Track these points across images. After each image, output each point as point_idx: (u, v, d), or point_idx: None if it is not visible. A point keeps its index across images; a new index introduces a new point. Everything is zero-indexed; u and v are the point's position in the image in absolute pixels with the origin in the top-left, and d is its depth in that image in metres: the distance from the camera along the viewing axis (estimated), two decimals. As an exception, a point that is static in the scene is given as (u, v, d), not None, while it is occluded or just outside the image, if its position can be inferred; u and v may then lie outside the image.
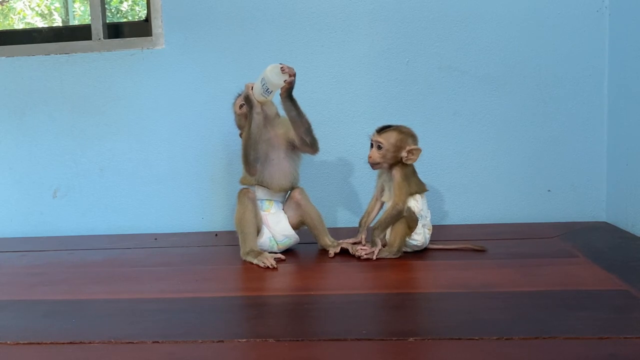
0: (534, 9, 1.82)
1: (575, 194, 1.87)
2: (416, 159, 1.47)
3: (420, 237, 1.48)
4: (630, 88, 1.69)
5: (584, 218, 1.86)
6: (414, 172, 1.52)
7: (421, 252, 1.51)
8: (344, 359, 0.91)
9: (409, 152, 1.46)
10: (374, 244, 1.47)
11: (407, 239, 1.47)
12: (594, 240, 1.61)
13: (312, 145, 1.51)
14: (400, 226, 1.46)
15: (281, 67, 1.40)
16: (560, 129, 1.85)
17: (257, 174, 1.53)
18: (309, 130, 1.49)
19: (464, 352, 0.91)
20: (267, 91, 1.42)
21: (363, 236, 1.55)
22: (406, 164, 1.48)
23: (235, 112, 1.59)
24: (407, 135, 1.48)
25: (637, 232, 1.64)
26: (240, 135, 1.58)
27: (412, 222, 1.46)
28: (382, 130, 1.49)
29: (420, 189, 1.51)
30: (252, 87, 1.44)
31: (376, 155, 1.48)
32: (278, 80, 1.40)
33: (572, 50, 1.83)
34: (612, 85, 1.80)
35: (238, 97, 1.58)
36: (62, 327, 1.10)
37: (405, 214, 1.46)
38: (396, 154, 1.47)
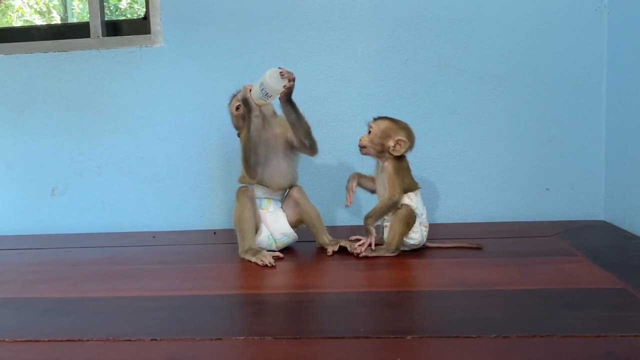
0: (533, 8, 1.82)
1: (573, 192, 1.87)
2: (402, 151, 1.47)
3: (417, 235, 1.48)
4: (628, 87, 1.69)
5: (582, 217, 1.86)
6: (408, 169, 1.51)
7: (419, 251, 1.51)
8: (341, 357, 0.91)
9: (397, 142, 1.46)
10: (368, 233, 1.47)
11: (405, 238, 1.47)
12: (592, 239, 1.62)
13: (311, 148, 1.51)
14: (398, 225, 1.46)
15: (280, 72, 1.40)
16: (558, 127, 1.86)
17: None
18: (308, 133, 1.49)
19: (462, 350, 0.91)
20: (267, 95, 1.41)
21: (353, 185, 1.53)
22: (400, 159, 1.48)
23: (231, 114, 1.59)
24: (399, 127, 1.48)
25: (635, 230, 1.64)
26: (238, 135, 1.58)
27: (410, 219, 1.46)
28: (378, 118, 1.51)
29: (414, 186, 1.51)
30: (251, 90, 1.44)
31: (365, 139, 1.49)
32: (277, 85, 1.40)
33: (570, 48, 1.83)
34: (610, 84, 1.80)
35: (233, 97, 1.58)
36: (60, 324, 1.10)
37: (400, 207, 1.46)
38: (383, 141, 1.47)
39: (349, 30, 1.88)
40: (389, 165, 1.48)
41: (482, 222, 1.86)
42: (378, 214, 1.47)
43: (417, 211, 1.48)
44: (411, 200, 1.48)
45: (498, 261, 1.40)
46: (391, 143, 1.47)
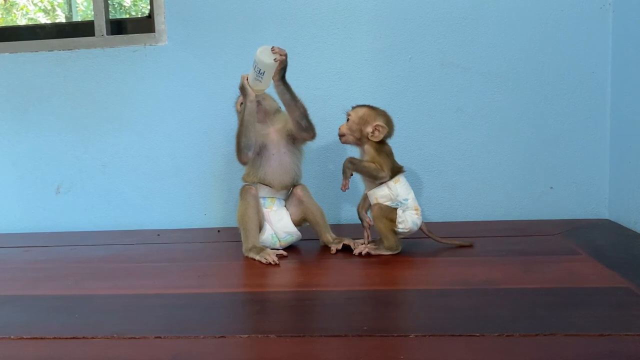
0: (537, 6, 1.82)
1: (577, 191, 1.87)
2: (381, 137, 1.47)
3: (404, 224, 1.46)
4: (633, 85, 1.68)
5: (586, 215, 1.86)
6: (391, 153, 1.50)
7: (422, 249, 1.51)
8: (345, 355, 0.92)
9: (375, 128, 1.46)
10: (344, 176, 1.48)
11: (396, 229, 1.47)
12: (596, 238, 1.61)
13: (307, 130, 1.52)
14: (379, 224, 1.46)
15: (272, 48, 1.41)
16: (562, 126, 1.85)
17: (258, 171, 1.54)
18: (304, 114, 1.50)
19: (465, 348, 0.91)
20: (260, 73, 1.42)
21: (367, 219, 1.54)
22: (380, 144, 1.48)
23: (237, 111, 1.59)
24: (377, 113, 1.49)
25: (639, 229, 1.64)
26: None
27: (387, 213, 1.45)
28: (357, 106, 1.52)
29: (397, 169, 1.49)
30: (247, 78, 1.45)
31: (343, 127, 1.50)
32: (268, 59, 1.40)
33: (575, 47, 1.82)
34: (615, 82, 1.80)
35: (239, 96, 1.59)
36: (65, 322, 1.10)
37: (372, 208, 1.47)
38: (361, 128, 1.48)
39: (353, 28, 1.88)
40: (369, 147, 1.48)
41: (486, 221, 1.86)
42: (359, 167, 1.48)
43: (399, 198, 1.46)
44: (390, 189, 1.47)
45: (502, 259, 1.40)
46: (369, 129, 1.47)
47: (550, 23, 1.82)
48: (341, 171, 1.48)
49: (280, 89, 1.48)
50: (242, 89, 1.47)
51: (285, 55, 1.42)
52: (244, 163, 1.53)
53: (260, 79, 1.42)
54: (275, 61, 1.41)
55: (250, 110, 1.47)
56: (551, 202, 1.87)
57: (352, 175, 1.49)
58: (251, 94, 1.46)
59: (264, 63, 1.40)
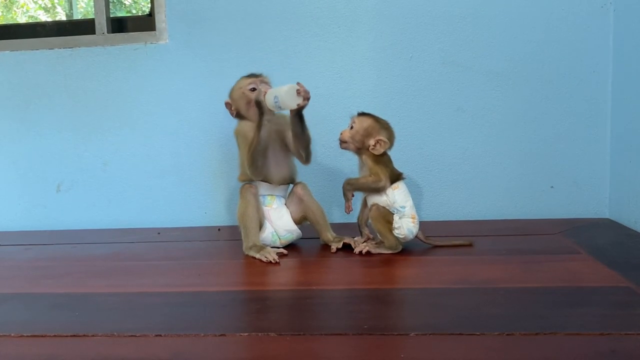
0: (538, 5, 1.82)
1: (578, 190, 1.87)
2: (381, 151, 1.47)
3: (400, 230, 1.46)
4: (634, 85, 1.68)
5: (587, 215, 1.86)
6: (389, 161, 1.51)
7: (422, 248, 1.51)
8: (345, 353, 0.92)
9: (377, 141, 1.46)
10: (346, 199, 1.49)
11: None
12: (596, 237, 1.61)
13: (306, 159, 1.55)
14: (377, 225, 1.46)
15: (297, 90, 1.40)
16: (563, 125, 1.85)
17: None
18: (307, 146, 1.52)
19: (465, 347, 0.92)
20: (279, 107, 1.43)
21: (367, 231, 1.55)
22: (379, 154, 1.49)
23: (231, 113, 1.56)
24: (381, 126, 1.49)
25: (639, 228, 1.64)
26: (235, 116, 1.56)
27: (385, 214, 1.46)
28: (362, 114, 1.51)
29: (396, 177, 1.50)
30: (265, 94, 1.44)
31: (346, 133, 1.50)
32: (291, 103, 1.41)
33: (576, 46, 1.82)
34: (616, 81, 1.80)
35: (246, 78, 1.55)
36: (66, 320, 1.10)
37: (370, 209, 1.47)
38: (364, 139, 1.48)
39: (354, 27, 1.88)
40: (367, 158, 1.49)
41: (486, 220, 1.86)
42: (358, 186, 1.50)
43: (396, 205, 1.46)
44: (388, 196, 1.47)
45: (502, 258, 1.40)
46: (372, 142, 1.47)
47: (551, 22, 1.82)
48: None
49: (294, 121, 1.48)
50: (259, 105, 1.46)
51: (309, 99, 1.42)
52: (257, 179, 1.53)
53: (276, 110, 1.44)
54: (298, 106, 1.42)
55: (268, 129, 1.48)
56: (551, 201, 1.87)
57: (353, 196, 1.51)
58: (268, 113, 1.46)
59: (286, 104, 1.41)
